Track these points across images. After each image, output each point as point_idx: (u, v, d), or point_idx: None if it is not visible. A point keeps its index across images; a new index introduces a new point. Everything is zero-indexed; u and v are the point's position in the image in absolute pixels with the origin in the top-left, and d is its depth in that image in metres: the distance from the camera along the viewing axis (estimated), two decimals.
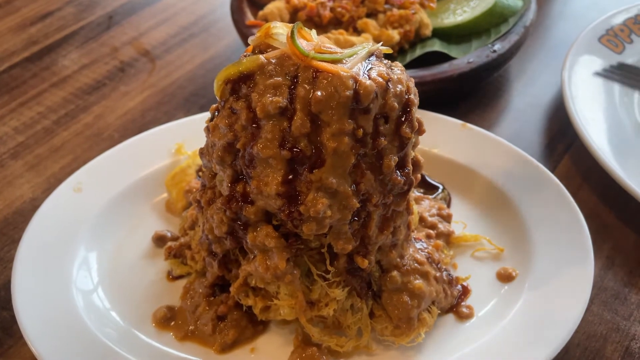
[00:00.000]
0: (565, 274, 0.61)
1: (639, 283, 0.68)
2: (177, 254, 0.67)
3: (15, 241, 0.73)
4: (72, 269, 0.64)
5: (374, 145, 0.51)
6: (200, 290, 0.63)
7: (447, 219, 0.69)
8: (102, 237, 0.69)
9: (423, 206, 0.70)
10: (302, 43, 0.50)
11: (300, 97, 0.49)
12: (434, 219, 0.68)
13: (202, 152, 0.58)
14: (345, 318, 0.59)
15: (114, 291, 0.64)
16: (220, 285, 0.63)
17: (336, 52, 0.51)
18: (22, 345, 0.62)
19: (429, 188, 0.74)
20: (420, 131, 0.55)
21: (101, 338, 0.58)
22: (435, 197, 0.73)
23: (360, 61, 0.51)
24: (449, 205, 0.73)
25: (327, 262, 0.56)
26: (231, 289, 0.59)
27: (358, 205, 0.51)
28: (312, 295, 0.57)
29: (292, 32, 0.50)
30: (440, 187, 0.75)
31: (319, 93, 0.48)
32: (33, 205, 0.77)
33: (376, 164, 0.51)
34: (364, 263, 0.55)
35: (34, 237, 0.65)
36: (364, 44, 0.53)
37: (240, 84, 0.51)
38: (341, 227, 0.52)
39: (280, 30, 0.52)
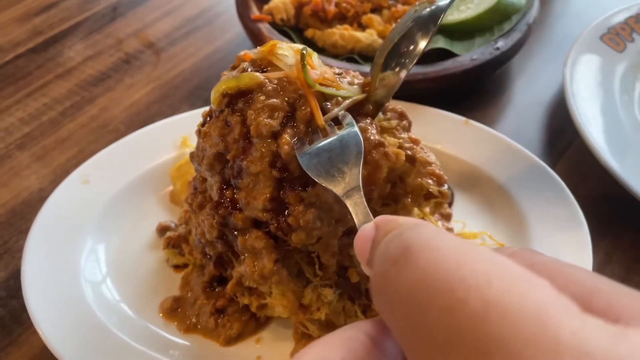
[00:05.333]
0: None
1: (636, 279, 0.69)
2: (175, 245, 0.68)
3: (23, 231, 0.73)
4: (81, 259, 0.65)
5: None
6: (198, 284, 0.63)
7: (447, 218, 0.70)
8: (110, 228, 0.70)
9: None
10: (309, 72, 0.51)
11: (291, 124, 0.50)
12: (434, 218, 0.69)
13: (192, 156, 0.59)
14: (338, 319, 0.59)
15: (121, 281, 0.65)
16: (218, 278, 0.63)
17: (335, 87, 0.52)
18: (31, 334, 0.63)
19: None
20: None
21: (111, 328, 0.59)
22: None
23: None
24: (450, 204, 0.74)
25: (317, 266, 0.56)
26: (227, 287, 0.60)
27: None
28: (304, 300, 0.58)
29: (302, 58, 0.50)
30: (446, 185, 0.76)
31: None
32: (40, 196, 0.78)
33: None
34: (354, 278, 0.56)
35: (43, 228, 0.66)
36: (352, 91, 0.54)
37: (238, 98, 0.51)
38: (330, 241, 0.53)
39: (286, 52, 0.52)
